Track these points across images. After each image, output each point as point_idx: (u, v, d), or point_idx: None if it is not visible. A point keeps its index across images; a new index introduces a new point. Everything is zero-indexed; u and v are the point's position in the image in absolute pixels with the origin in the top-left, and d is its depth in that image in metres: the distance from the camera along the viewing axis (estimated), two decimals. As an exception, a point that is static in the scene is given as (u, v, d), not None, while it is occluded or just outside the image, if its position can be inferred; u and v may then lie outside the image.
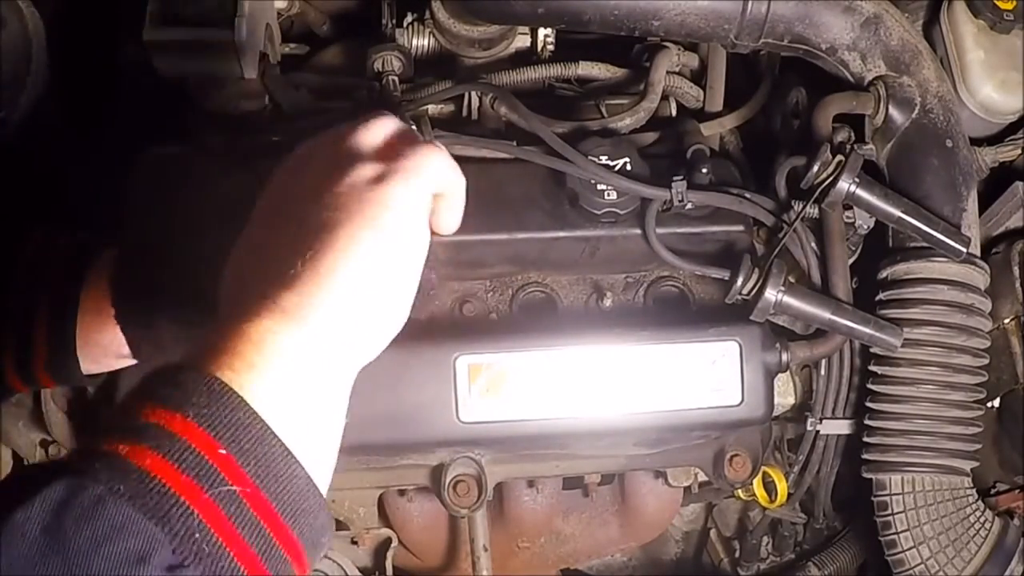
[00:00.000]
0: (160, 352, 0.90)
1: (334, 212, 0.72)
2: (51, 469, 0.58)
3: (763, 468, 1.22)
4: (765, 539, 1.44)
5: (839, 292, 1.07)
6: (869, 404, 1.14)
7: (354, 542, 1.15)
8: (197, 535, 0.57)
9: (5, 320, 0.90)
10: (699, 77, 1.29)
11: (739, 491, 1.27)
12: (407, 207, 0.75)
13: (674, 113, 1.26)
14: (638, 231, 1.06)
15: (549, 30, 1.28)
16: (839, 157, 1.05)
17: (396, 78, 1.16)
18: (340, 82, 1.27)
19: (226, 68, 1.12)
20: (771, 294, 1.01)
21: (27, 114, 1.21)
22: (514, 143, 1.10)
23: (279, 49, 1.30)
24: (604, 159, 1.06)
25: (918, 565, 1.11)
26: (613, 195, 1.05)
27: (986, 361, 1.12)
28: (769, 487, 1.27)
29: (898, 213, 1.07)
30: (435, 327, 1.07)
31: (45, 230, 0.96)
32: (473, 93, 1.18)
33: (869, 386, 1.13)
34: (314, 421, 0.67)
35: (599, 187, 1.05)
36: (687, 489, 1.23)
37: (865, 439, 1.14)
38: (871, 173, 1.09)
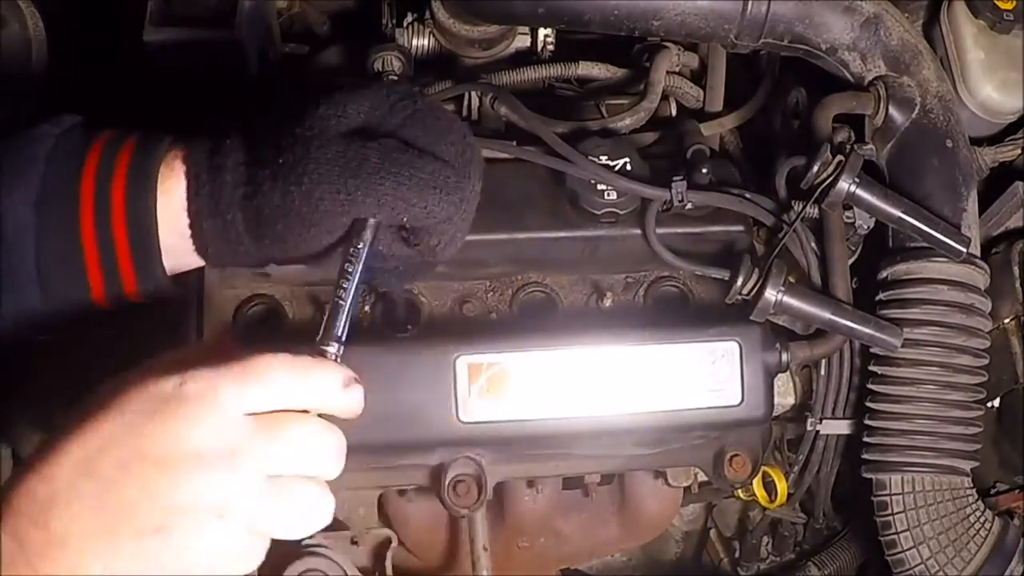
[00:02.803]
0: (233, 249, 0.81)
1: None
2: None
3: (763, 468, 1.22)
4: (765, 539, 1.44)
5: (839, 292, 1.07)
6: (869, 404, 1.14)
7: (354, 542, 1.14)
8: None
9: (73, 216, 0.78)
10: (699, 77, 1.29)
11: (739, 491, 1.27)
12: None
13: (674, 113, 1.26)
14: (638, 231, 1.06)
15: (549, 30, 1.28)
16: (839, 157, 1.05)
17: (396, 78, 1.16)
18: (340, 82, 1.27)
19: (226, 68, 1.12)
20: (771, 294, 1.01)
21: (27, 114, 1.21)
22: (514, 143, 1.10)
23: (279, 49, 1.30)
24: (604, 159, 1.06)
25: (918, 565, 1.11)
26: (613, 195, 1.05)
27: (986, 361, 1.12)
28: (769, 487, 1.27)
29: (898, 213, 1.07)
30: (435, 327, 1.07)
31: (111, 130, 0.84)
32: (473, 93, 1.17)
33: (869, 386, 1.13)
34: None
35: (599, 187, 1.05)
36: (687, 489, 1.23)
37: (865, 439, 1.14)
38: (871, 173, 1.09)
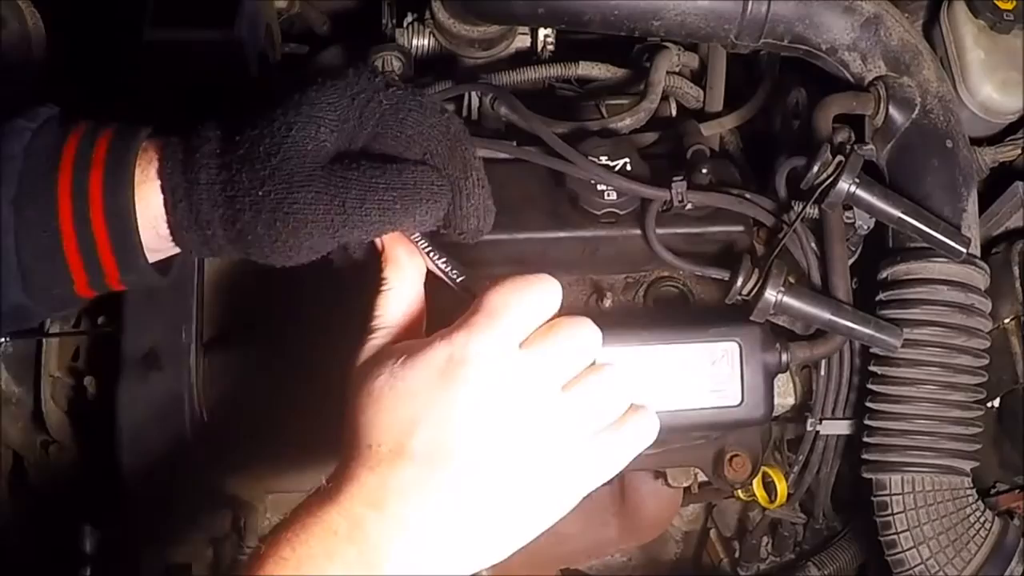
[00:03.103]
0: (214, 252, 0.82)
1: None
2: None
3: (763, 468, 1.22)
4: (765, 539, 1.44)
5: (839, 292, 1.07)
6: (869, 404, 1.14)
7: (354, 542, 1.14)
8: None
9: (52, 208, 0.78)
10: (699, 77, 1.29)
11: (739, 491, 1.27)
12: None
13: (674, 113, 1.26)
14: (638, 231, 1.06)
15: (549, 30, 1.28)
16: (839, 157, 1.05)
17: (396, 78, 1.16)
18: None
19: (226, 68, 1.12)
20: (771, 294, 1.01)
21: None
22: (514, 143, 1.10)
23: (279, 49, 1.30)
24: (604, 159, 1.06)
25: (918, 565, 1.11)
26: (613, 195, 1.05)
27: (986, 361, 1.12)
28: (769, 487, 1.27)
29: (898, 214, 1.07)
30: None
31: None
32: (473, 93, 1.17)
33: (869, 386, 1.13)
34: None
35: (599, 187, 1.05)
36: (687, 489, 1.23)
37: (865, 439, 1.14)
38: (871, 173, 1.09)
